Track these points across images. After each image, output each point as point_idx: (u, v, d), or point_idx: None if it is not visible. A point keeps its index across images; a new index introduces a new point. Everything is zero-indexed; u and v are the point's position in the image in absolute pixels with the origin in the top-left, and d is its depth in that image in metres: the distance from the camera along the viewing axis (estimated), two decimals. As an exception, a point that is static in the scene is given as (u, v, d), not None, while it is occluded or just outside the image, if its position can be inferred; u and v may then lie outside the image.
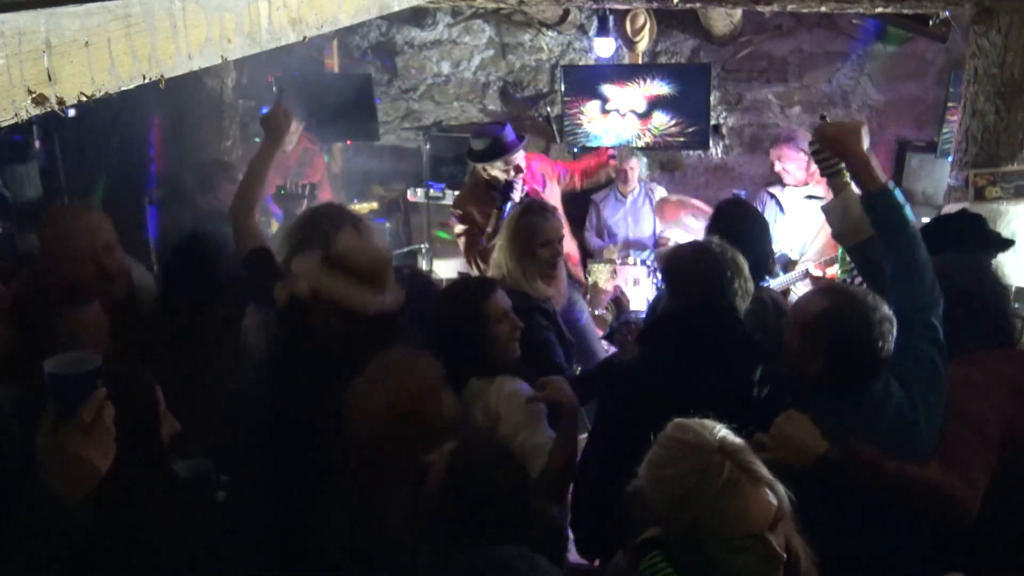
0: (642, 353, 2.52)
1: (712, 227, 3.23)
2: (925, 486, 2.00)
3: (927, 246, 2.58)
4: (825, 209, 2.60)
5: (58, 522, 1.44)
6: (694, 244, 2.70)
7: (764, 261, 3.10)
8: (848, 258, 3.60)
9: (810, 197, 4.40)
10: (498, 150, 4.04)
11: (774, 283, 4.35)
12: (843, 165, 2.47)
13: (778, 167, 4.44)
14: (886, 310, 2.07)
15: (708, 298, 2.43)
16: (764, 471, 1.50)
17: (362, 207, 5.35)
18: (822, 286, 2.29)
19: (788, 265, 4.41)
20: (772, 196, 4.53)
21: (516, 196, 3.92)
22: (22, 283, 2.38)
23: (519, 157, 4.07)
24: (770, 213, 4.51)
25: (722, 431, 1.55)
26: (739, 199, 3.76)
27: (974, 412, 2.11)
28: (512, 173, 4.03)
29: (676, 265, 2.55)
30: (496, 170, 4.06)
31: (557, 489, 2.29)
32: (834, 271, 4.18)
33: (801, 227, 4.42)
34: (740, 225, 3.05)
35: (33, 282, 2.40)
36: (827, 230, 4.30)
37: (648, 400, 2.21)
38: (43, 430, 1.46)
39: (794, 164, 4.38)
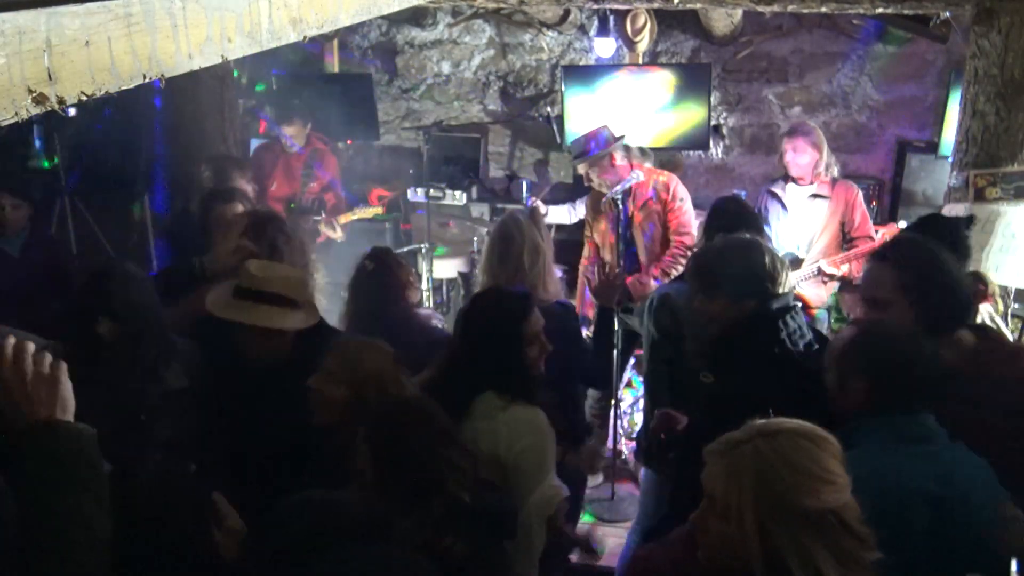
0: (719, 373, 2.43)
1: (709, 225, 3.29)
2: None
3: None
4: None
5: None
6: (737, 241, 2.59)
7: None
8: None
9: (815, 196, 4.39)
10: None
11: None
12: None
13: (788, 157, 4.38)
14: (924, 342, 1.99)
15: (770, 298, 2.39)
16: (743, 462, 1.49)
17: (366, 212, 5.33)
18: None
19: (795, 263, 4.39)
20: (774, 195, 4.52)
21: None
22: None
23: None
24: (773, 212, 4.50)
25: (787, 424, 1.55)
26: (735, 197, 3.73)
27: None
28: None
29: (725, 266, 2.47)
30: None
31: None
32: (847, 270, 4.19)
33: (805, 225, 4.40)
34: (737, 222, 3.07)
35: None
36: (832, 227, 4.34)
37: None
38: None
39: (806, 157, 4.35)
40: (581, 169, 4.39)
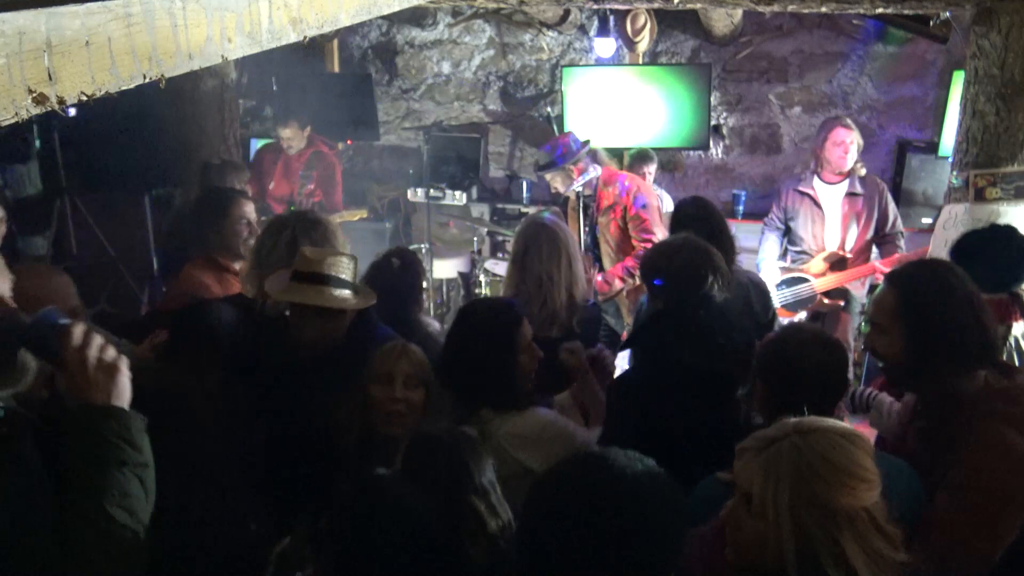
0: (637, 355, 2.58)
1: (673, 228, 3.35)
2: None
3: (964, 263, 2.55)
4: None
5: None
6: (669, 243, 2.82)
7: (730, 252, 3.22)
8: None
9: (851, 194, 4.31)
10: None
11: (821, 283, 4.31)
12: None
13: (836, 152, 4.29)
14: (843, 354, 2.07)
15: (687, 293, 2.52)
16: (777, 465, 1.50)
17: (352, 215, 5.34)
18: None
19: (840, 264, 4.33)
20: (803, 194, 4.41)
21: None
22: None
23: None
24: (804, 211, 4.40)
25: (822, 422, 1.55)
26: (698, 198, 3.58)
27: (1000, 484, 1.85)
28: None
29: (654, 266, 2.68)
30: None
31: None
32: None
33: (845, 223, 4.34)
34: (698, 223, 3.17)
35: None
36: (871, 225, 4.27)
37: (649, 398, 2.27)
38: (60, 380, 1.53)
39: (854, 149, 4.27)
40: (548, 178, 4.29)
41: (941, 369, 1.94)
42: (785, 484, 1.46)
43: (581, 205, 4.15)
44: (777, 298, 4.34)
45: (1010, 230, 3.02)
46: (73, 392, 1.53)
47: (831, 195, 4.36)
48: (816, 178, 4.39)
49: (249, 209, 3.48)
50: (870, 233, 4.32)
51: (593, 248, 4.29)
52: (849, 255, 4.32)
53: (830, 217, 4.36)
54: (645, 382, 2.41)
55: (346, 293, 2.52)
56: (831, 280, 4.32)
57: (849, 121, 4.36)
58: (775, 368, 2.06)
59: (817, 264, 4.35)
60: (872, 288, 3.89)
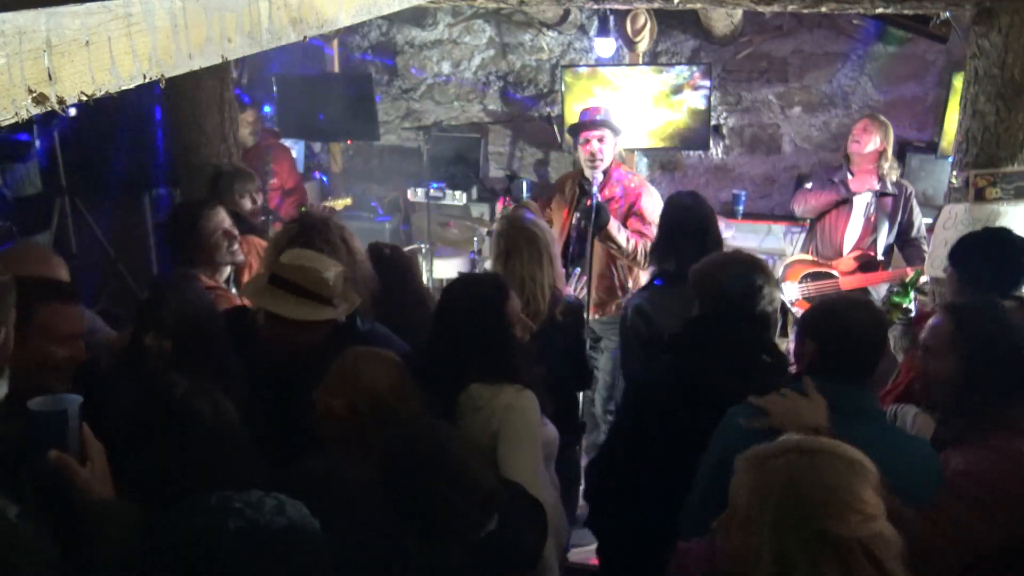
0: (673, 357, 2.55)
1: (663, 222, 3.38)
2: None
3: (962, 266, 2.74)
4: None
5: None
6: (725, 256, 2.80)
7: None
8: (912, 291, 3.40)
9: (883, 194, 4.29)
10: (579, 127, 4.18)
11: (848, 281, 4.26)
12: None
13: (852, 146, 4.32)
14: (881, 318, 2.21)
15: (741, 305, 2.47)
16: (771, 478, 1.48)
17: (335, 204, 5.35)
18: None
19: (870, 265, 4.29)
20: (834, 184, 4.38)
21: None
22: None
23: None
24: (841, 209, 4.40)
25: (826, 444, 1.54)
26: (690, 191, 3.54)
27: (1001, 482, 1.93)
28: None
29: (706, 275, 2.60)
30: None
31: None
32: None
33: (873, 223, 4.33)
34: (688, 216, 3.24)
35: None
36: (896, 228, 4.26)
37: (678, 403, 2.31)
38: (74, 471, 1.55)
39: (871, 146, 4.26)
40: (595, 136, 4.10)
41: (990, 399, 2.02)
42: (772, 501, 1.43)
43: (582, 187, 4.06)
44: (798, 290, 4.36)
45: (1008, 232, 3.02)
46: (90, 487, 1.55)
47: (861, 193, 4.36)
48: (849, 175, 4.38)
49: (222, 218, 3.34)
50: (893, 236, 4.32)
51: (578, 245, 4.10)
52: (881, 257, 4.32)
53: (856, 214, 4.35)
54: (674, 386, 2.41)
55: (316, 306, 2.44)
56: (857, 279, 4.29)
57: (876, 116, 4.43)
58: (826, 327, 2.13)
59: (846, 262, 4.33)
60: (891, 290, 3.79)
